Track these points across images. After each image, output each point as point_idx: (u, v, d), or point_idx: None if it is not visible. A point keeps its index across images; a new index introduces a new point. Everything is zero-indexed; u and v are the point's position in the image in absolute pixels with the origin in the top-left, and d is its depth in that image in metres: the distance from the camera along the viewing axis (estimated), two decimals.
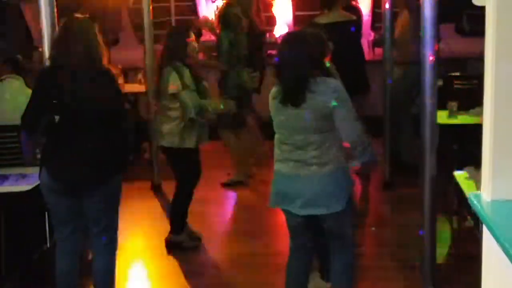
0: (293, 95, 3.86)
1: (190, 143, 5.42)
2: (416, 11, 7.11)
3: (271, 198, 4.10)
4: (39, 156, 4.45)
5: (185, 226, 5.71)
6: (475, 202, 2.84)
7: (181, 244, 5.62)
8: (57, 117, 3.90)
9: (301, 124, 3.86)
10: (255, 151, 7.62)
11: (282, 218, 4.23)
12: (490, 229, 2.60)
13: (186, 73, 5.35)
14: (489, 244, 2.70)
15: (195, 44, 5.58)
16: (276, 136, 4.02)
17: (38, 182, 4.19)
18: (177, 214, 5.67)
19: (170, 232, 5.66)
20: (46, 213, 4.54)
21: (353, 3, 8.29)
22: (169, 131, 5.41)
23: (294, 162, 3.93)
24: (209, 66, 7.46)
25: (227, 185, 7.37)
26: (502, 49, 2.71)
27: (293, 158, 3.93)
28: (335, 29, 6.01)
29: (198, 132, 5.44)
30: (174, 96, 5.34)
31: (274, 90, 3.98)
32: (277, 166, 4.03)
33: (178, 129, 5.38)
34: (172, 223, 5.69)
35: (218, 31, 7.33)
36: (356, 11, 7.73)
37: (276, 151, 4.02)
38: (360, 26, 7.63)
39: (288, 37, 4.17)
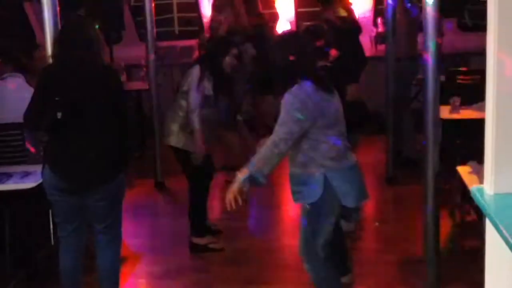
0: (327, 82, 3.88)
1: (194, 146, 5.28)
2: (411, 6, 7.17)
3: (350, 196, 3.83)
4: (42, 153, 4.46)
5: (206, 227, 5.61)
6: (477, 195, 2.85)
7: (206, 247, 5.51)
8: (59, 114, 3.88)
9: (341, 109, 3.91)
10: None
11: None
12: (492, 222, 2.61)
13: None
14: (492, 237, 2.71)
15: (232, 60, 5.36)
16: (327, 136, 3.79)
17: (41, 180, 4.19)
18: (194, 216, 5.54)
19: (192, 235, 5.53)
20: (50, 210, 4.55)
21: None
22: (178, 131, 5.32)
23: (351, 150, 3.97)
24: None
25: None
26: (504, 44, 2.72)
27: (349, 147, 3.96)
28: None
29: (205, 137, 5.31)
30: (187, 95, 5.20)
31: (306, 89, 3.73)
32: (343, 163, 3.83)
33: (185, 130, 5.28)
34: (192, 226, 5.55)
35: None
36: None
37: (333, 149, 3.79)
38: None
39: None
